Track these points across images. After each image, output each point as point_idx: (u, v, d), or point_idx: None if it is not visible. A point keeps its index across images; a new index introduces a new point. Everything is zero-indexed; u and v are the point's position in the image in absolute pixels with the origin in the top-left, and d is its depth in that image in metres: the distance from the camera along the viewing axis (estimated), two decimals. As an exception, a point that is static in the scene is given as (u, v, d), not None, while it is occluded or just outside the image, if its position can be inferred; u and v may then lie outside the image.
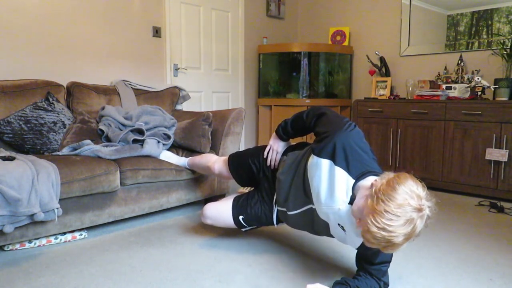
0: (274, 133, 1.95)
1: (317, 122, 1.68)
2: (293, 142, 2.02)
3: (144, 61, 3.57)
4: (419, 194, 1.29)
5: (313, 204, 1.63)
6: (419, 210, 1.27)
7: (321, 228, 1.68)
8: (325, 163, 1.51)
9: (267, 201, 1.98)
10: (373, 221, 1.27)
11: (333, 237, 1.70)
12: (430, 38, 3.90)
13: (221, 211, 2.05)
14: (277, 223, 1.99)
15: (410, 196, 1.27)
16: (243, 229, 2.08)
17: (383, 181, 1.33)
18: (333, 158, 1.49)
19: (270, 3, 4.60)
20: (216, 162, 2.26)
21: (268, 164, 1.97)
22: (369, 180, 1.43)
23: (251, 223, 2.03)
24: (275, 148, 1.95)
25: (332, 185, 1.50)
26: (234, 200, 2.06)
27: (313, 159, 1.56)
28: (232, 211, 2.03)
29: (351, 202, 1.47)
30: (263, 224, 2.04)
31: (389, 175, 1.37)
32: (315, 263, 1.96)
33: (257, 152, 2.05)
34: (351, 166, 1.47)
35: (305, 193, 1.66)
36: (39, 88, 2.66)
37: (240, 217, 2.01)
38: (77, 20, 3.12)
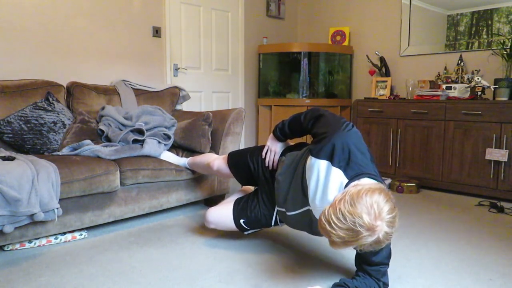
0: (271, 133, 1.95)
1: (315, 123, 1.68)
2: (291, 142, 2.02)
3: (144, 61, 3.57)
4: (378, 215, 1.27)
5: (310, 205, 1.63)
6: (369, 229, 1.26)
7: None
8: (322, 164, 1.50)
9: (267, 203, 1.98)
10: (326, 211, 1.33)
11: None
12: (430, 38, 3.90)
13: (223, 215, 2.06)
14: (275, 224, 1.99)
15: (367, 212, 1.27)
16: (246, 232, 2.08)
17: (358, 187, 1.35)
18: (331, 158, 1.48)
19: (270, 3, 4.60)
20: (216, 159, 2.26)
21: (267, 165, 1.97)
22: (361, 181, 1.43)
23: (253, 226, 2.03)
24: (273, 149, 1.94)
25: (326, 185, 1.49)
26: (235, 203, 2.06)
27: (310, 160, 1.55)
28: (233, 214, 2.03)
29: None
30: (264, 226, 2.04)
31: (373, 185, 1.37)
32: (315, 263, 1.96)
33: (256, 151, 2.05)
34: (348, 167, 1.47)
35: (304, 194, 1.66)
36: (39, 88, 2.66)
37: (241, 221, 2.01)
38: (77, 20, 3.12)
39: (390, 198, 1.33)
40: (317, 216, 1.60)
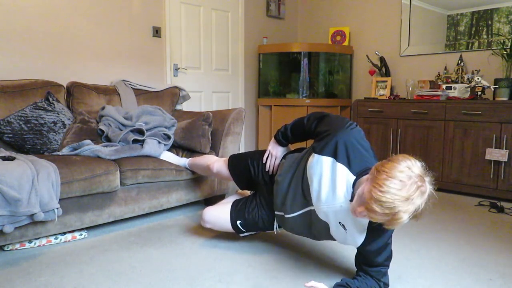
0: (273, 138, 1.94)
1: (319, 124, 1.68)
2: (292, 147, 2.01)
3: (144, 61, 3.57)
4: (419, 166, 1.30)
5: (311, 205, 1.63)
6: (421, 178, 1.27)
7: (320, 230, 1.68)
8: (326, 160, 1.51)
9: (265, 207, 1.97)
10: (376, 186, 1.25)
11: (332, 239, 1.70)
12: (430, 38, 3.90)
13: (219, 216, 2.05)
14: (276, 229, 1.99)
15: (411, 164, 1.28)
16: (241, 235, 2.07)
17: (368, 184, 1.32)
18: (334, 155, 1.50)
19: (270, 3, 4.60)
20: (216, 162, 2.26)
21: (267, 169, 1.97)
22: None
23: (249, 229, 2.02)
24: (274, 154, 1.93)
25: (334, 182, 1.50)
26: (233, 204, 2.06)
27: (313, 157, 1.56)
28: (230, 215, 2.02)
29: (352, 199, 1.47)
30: (261, 230, 2.03)
31: (372, 168, 1.37)
32: (315, 263, 1.96)
33: (257, 155, 2.05)
34: (353, 163, 1.48)
35: (304, 195, 1.66)
36: (39, 88, 2.66)
37: (238, 222, 2.01)
38: (77, 20, 3.12)
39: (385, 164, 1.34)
40: (320, 216, 1.61)
